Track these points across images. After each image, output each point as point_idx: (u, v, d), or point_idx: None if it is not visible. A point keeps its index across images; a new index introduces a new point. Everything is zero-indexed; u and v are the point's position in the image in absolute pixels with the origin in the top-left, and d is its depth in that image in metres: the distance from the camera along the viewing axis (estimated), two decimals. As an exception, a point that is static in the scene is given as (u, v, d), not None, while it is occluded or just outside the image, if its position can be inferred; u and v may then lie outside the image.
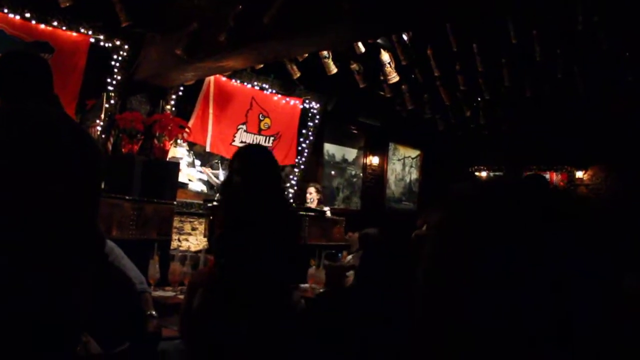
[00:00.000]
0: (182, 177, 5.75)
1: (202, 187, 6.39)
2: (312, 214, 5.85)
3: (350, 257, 5.02)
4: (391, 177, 9.81)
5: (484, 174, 10.56)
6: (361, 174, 9.10)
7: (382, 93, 6.81)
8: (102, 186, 4.57)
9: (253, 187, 2.64)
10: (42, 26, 4.80)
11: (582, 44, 5.52)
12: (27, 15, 4.65)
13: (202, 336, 2.38)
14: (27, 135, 1.96)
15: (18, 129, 1.96)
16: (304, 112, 7.23)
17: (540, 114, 8.35)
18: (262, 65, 5.78)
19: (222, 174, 7.02)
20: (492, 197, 0.57)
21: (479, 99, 7.52)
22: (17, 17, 4.62)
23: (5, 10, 4.55)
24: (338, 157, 8.63)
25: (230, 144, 6.50)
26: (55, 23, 4.83)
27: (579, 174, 9.51)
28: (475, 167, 10.60)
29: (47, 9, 4.70)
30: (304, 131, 7.25)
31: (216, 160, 7.15)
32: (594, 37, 5.00)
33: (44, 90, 2.11)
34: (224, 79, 6.28)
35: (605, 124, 8.12)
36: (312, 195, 6.74)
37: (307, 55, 5.40)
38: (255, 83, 6.59)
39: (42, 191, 1.94)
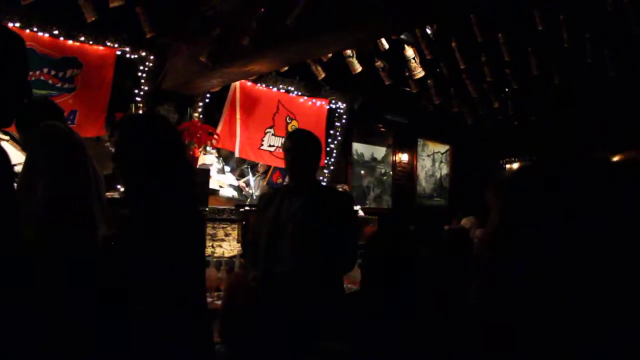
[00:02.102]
0: (213, 184, 5.77)
1: (233, 193, 6.41)
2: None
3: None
4: (421, 174, 9.72)
5: (515, 165, 10.38)
6: (391, 172, 9.02)
7: (407, 89, 6.74)
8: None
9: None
10: (70, 42, 4.90)
11: (612, 27, 5.38)
12: (56, 32, 4.75)
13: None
14: (68, 144, 2.50)
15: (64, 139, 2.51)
16: (331, 112, 7.22)
17: (571, 101, 8.16)
18: (286, 68, 5.78)
19: (252, 180, 7.04)
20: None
21: (507, 89, 7.40)
22: (46, 34, 4.72)
23: (35, 29, 4.64)
24: (367, 156, 8.59)
25: (259, 148, 6.52)
26: (82, 38, 4.93)
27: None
28: (506, 159, 10.44)
29: (74, 25, 4.79)
30: (331, 131, 7.23)
31: (246, 166, 7.18)
32: (623, 19, 4.87)
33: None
34: (249, 84, 6.30)
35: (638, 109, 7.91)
36: None
37: (331, 55, 5.38)
38: (281, 86, 6.61)
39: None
